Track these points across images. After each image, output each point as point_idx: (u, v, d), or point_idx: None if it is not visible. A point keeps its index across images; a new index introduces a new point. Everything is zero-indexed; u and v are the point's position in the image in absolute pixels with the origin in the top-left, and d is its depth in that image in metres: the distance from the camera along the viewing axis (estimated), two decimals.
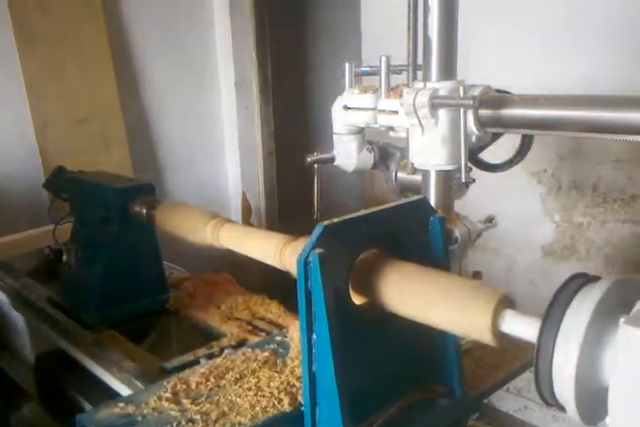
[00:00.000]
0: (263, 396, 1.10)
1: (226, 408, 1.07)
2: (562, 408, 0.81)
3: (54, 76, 2.60)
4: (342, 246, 0.99)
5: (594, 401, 0.78)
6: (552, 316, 0.79)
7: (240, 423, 1.03)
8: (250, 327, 1.58)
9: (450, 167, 1.31)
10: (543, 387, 0.80)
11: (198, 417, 1.04)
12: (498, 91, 1.31)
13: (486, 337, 0.88)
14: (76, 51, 2.66)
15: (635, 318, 0.74)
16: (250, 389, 1.12)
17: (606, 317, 0.76)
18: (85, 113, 2.71)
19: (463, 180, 1.27)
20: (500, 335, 0.87)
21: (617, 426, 0.76)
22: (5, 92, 2.51)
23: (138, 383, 1.36)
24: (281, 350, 1.27)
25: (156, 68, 3.00)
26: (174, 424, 1.03)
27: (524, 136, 1.46)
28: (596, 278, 0.82)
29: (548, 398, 0.82)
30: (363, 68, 1.55)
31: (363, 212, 1.03)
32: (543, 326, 0.79)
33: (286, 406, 1.07)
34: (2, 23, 2.45)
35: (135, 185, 1.64)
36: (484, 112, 1.23)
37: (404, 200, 1.12)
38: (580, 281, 0.82)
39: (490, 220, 1.37)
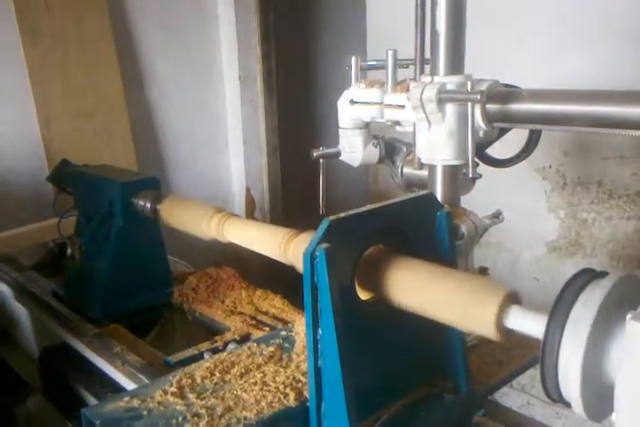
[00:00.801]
0: (269, 391, 1.09)
1: (231, 403, 1.06)
2: (567, 405, 0.81)
3: (58, 71, 2.60)
4: (348, 241, 0.98)
5: (599, 397, 0.78)
6: (558, 312, 0.79)
7: (246, 418, 1.02)
8: (253, 322, 1.58)
9: (457, 162, 1.30)
10: (549, 383, 0.80)
11: (204, 412, 1.04)
12: (506, 85, 1.30)
13: (492, 333, 0.87)
14: (80, 46, 2.66)
15: None
16: (255, 384, 1.12)
17: (613, 313, 0.76)
18: (89, 107, 2.71)
19: (470, 175, 1.27)
20: (505, 331, 0.87)
21: (622, 422, 0.75)
22: (10, 86, 2.52)
23: (142, 377, 1.36)
24: (286, 344, 1.27)
25: (161, 63, 2.99)
26: (180, 419, 1.02)
27: (532, 131, 1.45)
28: (602, 274, 0.82)
29: (554, 395, 0.81)
30: (369, 62, 1.55)
31: (369, 207, 1.02)
32: (549, 322, 0.79)
33: (292, 401, 1.07)
34: (7, 18, 2.45)
35: (140, 179, 1.64)
36: (491, 107, 1.22)
37: (410, 195, 1.11)
38: (586, 277, 0.82)
39: (497, 215, 1.36)
